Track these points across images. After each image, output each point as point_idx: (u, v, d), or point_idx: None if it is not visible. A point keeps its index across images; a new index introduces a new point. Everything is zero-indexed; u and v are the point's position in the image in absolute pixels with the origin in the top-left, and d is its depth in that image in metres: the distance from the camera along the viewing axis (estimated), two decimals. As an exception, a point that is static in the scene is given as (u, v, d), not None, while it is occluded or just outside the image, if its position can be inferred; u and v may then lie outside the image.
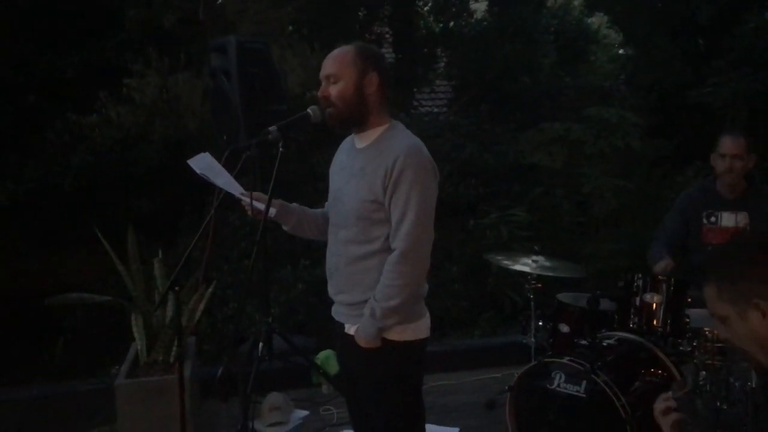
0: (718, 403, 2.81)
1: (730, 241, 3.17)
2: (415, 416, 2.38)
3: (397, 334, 2.26)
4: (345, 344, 2.37)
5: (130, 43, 6.12)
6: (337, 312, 2.43)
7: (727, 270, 1.61)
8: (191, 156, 2.36)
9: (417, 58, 8.74)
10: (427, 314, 2.36)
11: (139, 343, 3.73)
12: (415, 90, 8.87)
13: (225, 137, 3.70)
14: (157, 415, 3.52)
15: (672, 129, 7.93)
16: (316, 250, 6.00)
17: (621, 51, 10.05)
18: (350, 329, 2.34)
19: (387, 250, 2.24)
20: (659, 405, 1.76)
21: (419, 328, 2.32)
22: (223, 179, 2.37)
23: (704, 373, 2.85)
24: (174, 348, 3.70)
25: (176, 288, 2.69)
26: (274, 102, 3.65)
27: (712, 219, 3.37)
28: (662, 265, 3.40)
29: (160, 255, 3.99)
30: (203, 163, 2.35)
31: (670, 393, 1.74)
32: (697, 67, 7.92)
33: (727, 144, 3.45)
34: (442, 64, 9.32)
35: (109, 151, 5.86)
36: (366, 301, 2.26)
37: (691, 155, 7.23)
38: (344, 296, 2.36)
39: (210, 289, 4.01)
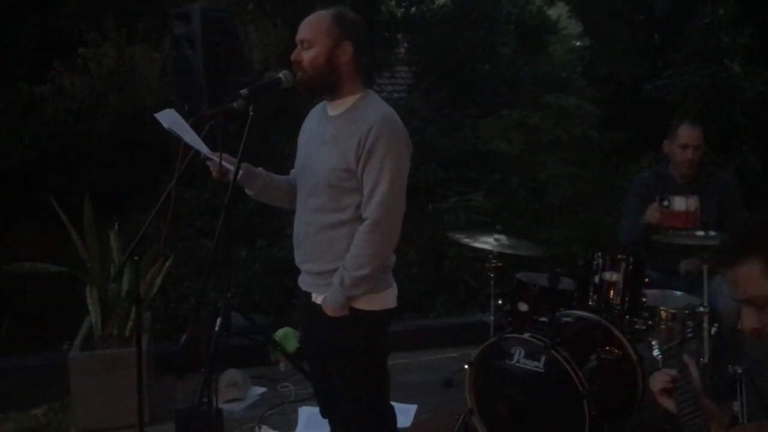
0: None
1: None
2: (380, 385, 2.38)
3: (364, 304, 2.25)
4: (311, 314, 2.35)
5: (86, 12, 5.93)
6: (304, 281, 2.41)
7: None
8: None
9: (378, 42, 8.72)
10: (394, 285, 2.36)
11: (93, 316, 3.65)
12: (375, 74, 8.84)
13: (186, 107, 3.62)
14: (113, 388, 3.47)
15: (626, 120, 8.08)
16: (273, 231, 5.97)
17: (578, 43, 10.19)
18: (317, 298, 2.32)
19: (357, 219, 2.22)
20: (658, 381, 1.68)
21: (386, 298, 2.31)
22: (190, 136, 2.32)
23: (690, 323, 2.92)
24: (130, 321, 3.64)
25: (136, 258, 2.64)
26: (239, 72, 3.58)
27: (665, 203, 3.45)
28: (653, 206, 3.41)
29: (116, 227, 3.91)
30: (170, 118, 2.30)
31: (671, 371, 1.65)
32: (653, 60, 8.09)
33: (688, 134, 3.53)
34: (403, 50, 9.31)
35: (62, 123, 5.68)
36: (333, 271, 2.24)
37: (644, 146, 7.39)
38: (311, 265, 2.33)
39: (168, 263, 3.95)
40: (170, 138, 5.71)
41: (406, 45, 9.27)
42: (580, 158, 7.10)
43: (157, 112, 2.47)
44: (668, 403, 1.66)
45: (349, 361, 2.29)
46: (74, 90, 5.48)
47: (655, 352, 1.74)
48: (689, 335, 1.77)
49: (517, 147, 6.94)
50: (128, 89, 5.62)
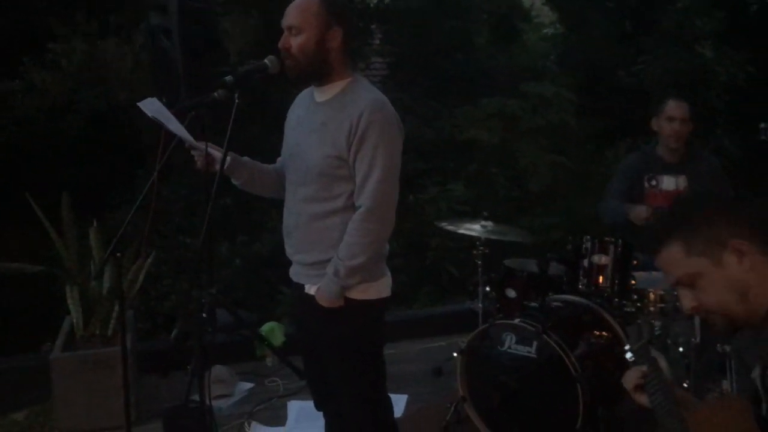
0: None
1: (685, 197, 3.23)
2: (377, 376, 2.35)
3: (359, 293, 2.21)
4: (304, 306, 2.30)
5: (54, 6, 5.79)
6: (296, 273, 2.35)
7: (695, 220, 1.52)
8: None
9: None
10: (389, 273, 2.32)
11: (74, 316, 3.56)
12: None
13: (164, 99, 3.54)
14: (97, 389, 3.40)
15: (602, 107, 8.12)
16: (253, 227, 5.90)
17: (548, 31, 10.19)
18: (310, 289, 2.27)
19: (349, 208, 2.18)
20: (630, 378, 1.71)
21: (381, 287, 2.28)
22: (174, 126, 2.26)
23: (659, 323, 2.94)
24: (112, 320, 3.56)
25: (118, 254, 2.57)
26: (217, 63, 3.52)
27: (653, 182, 3.45)
28: (642, 209, 3.41)
29: (95, 224, 3.82)
30: (153, 107, 2.24)
31: (643, 367, 1.67)
32: (627, 46, 8.13)
33: (674, 108, 3.53)
34: (377, 40, 9.25)
35: (33, 120, 5.55)
36: (327, 261, 2.19)
37: (621, 132, 7.44)
38: (303, 256, 2.28)
39: (149, 260, 3.87)
40: (145, 133, 5.61)
41: (380, 36, 9.20)
42: (559, 145, 7.13)
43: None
44: (642, 399, 1.68)
45: (345, 353, 2.26)
46: (45, 86, 5.35)
47: (628, 355, 1.76)
48: (657, 332, 1.81)
49: (495, 136, 6.94)
50: (101, 84, 5.51)
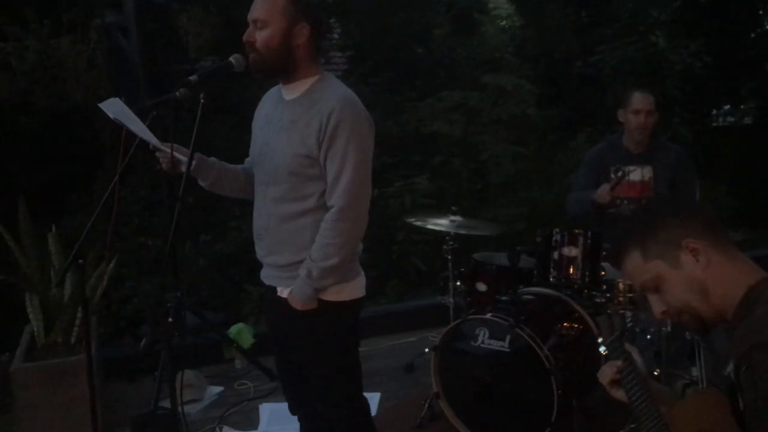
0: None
1: (637, 207, 3.28)
2: (353, 377, 2.31)
3: (333, 295, 2.17)
4: (277, 309, 2.25)
5: (3, 3, 5.60)
6: (267, 275, 2.30)
7: (648, 226, 1.56)
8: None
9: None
10: (362, 273, 2.29)
11: (35, 324, 3.44)
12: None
13: (123, 99, 3.44)
14: (61, 400, 3.28)
15: (561, 98, 8.20)
16: (216, 225, 5.81)
17: (504, 23, 10.24)
18: (283, 292, 2.22)
19: (321, 208, 2.13)
20: (606, 374, 1.71)
21: (355, 288, 2.24)
22: (137, 126, 2.18)
23: (629, 314, 2.96)
24: (75, 327, 3.46)
25: (80, 261, 2.49)
26: (177, 61, 3.43)
27: (619, 173, 3.48)
28: (605, 187, 3.42)
29: (54, 229, 3.70)
30: (115, 108, 2.16)
31: (618, 362, 1.68)
32: (583, 37, 8.21)
33: (641, 100, 3.56)
34: (336, 35, 9.18)
35: (-15, 122, 5.37)
36: (299, 263, 2.14)
37: (580, 122, 7.52)
38: (275, 258, 2.23)
39: (112, 265, 3.77)
40: (103, 133, 5.44)
41: (339, 30, 9.13)
42: (520, 137, 7.18)
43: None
44: (619, 394, 1.70)
45: (320, 356, 2.22)
46: (-4, 87, 5.17)
47: (602, 348, 1.78)
48: (629, 325, 1.81)
49: (458, 128, 6.97)
50: (55, 84, 5.34)
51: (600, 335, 3.17)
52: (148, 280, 5.14)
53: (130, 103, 3.43)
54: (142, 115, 2.84)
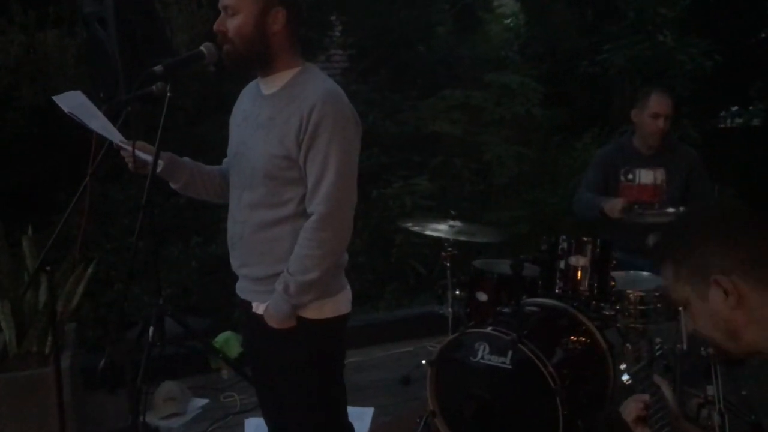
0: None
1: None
2: (336, 401, 2.10)
3: (314, 312, 1.96)
4: (252, 326, 2.05)
5: (-13, -3, 5.42)
6: (242, 288, 2.10)
7: (684, 242, 1.38)
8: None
9: (311, 24, 8.37)
10: (348, 286, 2.08)
11: (7, 333, 3.25)
12: (310, 57, 8.50)
13: (102, 94, 3.25)
14: (32, 413, 3.10)
15: (566, 97, 8.00)
16: (208, 226, 5.62)
17: (509, 21, 10.04)
18: (258, 308, 2.02)
19: (301, 215, 1.92)
20: (631, 409, 1.53)
21: (339, 303, 2.03)
22: (99, 123, 1.98)
23: (659, 339, 2.74)
24: (50, 335, 3.25)
25: (48, 268, 2.31)
26: (158, 54, 3.21)
27: (630, 176, 3.29)
28: (617, 202, 3.24)
29: (30, 232, 3.50)
30: (74, 102, 1.95)
31: (645, 396, 1.50)
32: (589, 35, 8.01)
33: (661, 103, 3.37)
34: (337, 32, 9.00)
35: (-34, 118, 5.19)
36: (276, 275, 1.94)
37: (586, 122, 7.31)
38: (250, 269, 2.03)
39: (90, 270, 3.57)
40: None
41: (340, 27, 8.95)
42: (524, 137, 6.98)
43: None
44: None
45: (299, 378, 2.00)
46: (-20, 82, 4.99)
47: (625, 377, 1.59)
48: (658, 352, 1.61)
49: (459, 128, 6.78)
50: (41, 79, 5.16)
51: (609, 348, 2.98)
52: (137, 282, 4.96)
53: (109, 99, 3.26)
54: (118, 110, 2.64)
